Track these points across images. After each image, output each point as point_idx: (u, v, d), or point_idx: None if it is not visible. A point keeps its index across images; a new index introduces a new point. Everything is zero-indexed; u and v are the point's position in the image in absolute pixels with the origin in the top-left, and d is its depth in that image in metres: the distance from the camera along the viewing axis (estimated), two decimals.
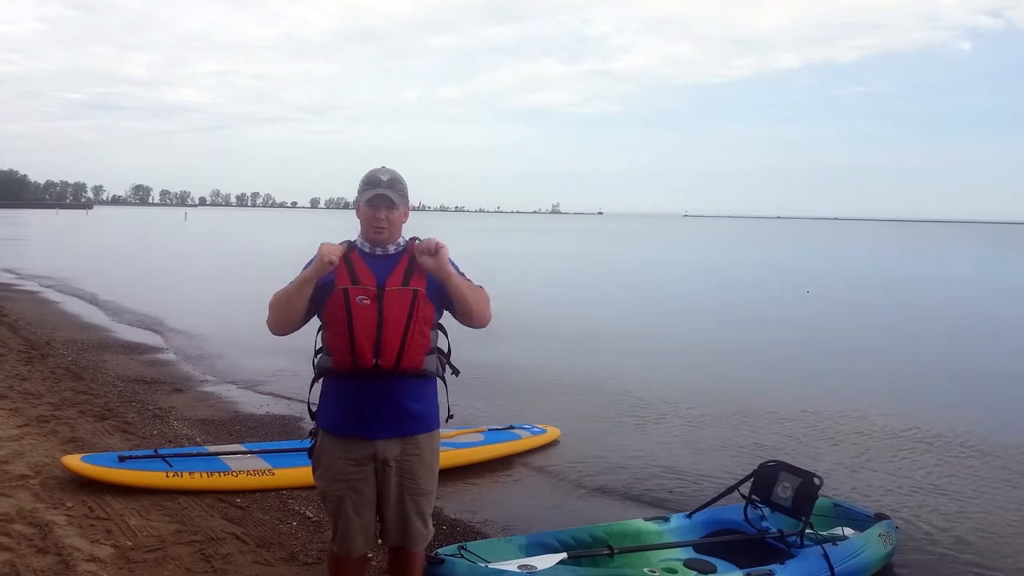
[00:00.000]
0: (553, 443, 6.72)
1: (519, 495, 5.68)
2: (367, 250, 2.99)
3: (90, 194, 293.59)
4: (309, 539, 4.39)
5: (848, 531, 4.38)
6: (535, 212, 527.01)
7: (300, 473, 5.10)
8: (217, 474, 5.10)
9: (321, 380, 3.04)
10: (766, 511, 4.28)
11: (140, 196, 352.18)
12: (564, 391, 8.94)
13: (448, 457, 4.97)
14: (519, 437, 6.48)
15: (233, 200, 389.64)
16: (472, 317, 2.97)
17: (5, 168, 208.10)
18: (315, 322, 3.00)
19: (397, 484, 2.97)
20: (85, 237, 49.04)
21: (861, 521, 4.50)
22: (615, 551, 3.83)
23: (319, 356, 3.02)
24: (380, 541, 3.16)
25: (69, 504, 4.60)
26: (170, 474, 4.99)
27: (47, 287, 18.04)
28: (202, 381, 8.80)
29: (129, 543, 4.13)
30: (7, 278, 19.90)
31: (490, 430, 6.49)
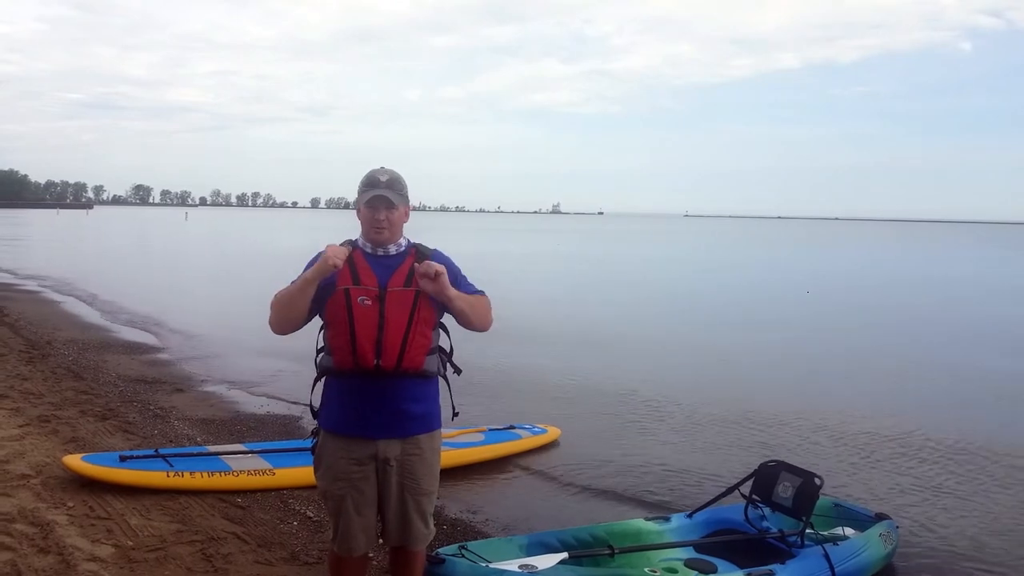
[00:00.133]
0: (553, 443, 6.72)
1: (520, 495, 5.68)
2: (369, 250, 3.00)
3: (90, 194, 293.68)
4: (310, 539, 4.39)
5: (849, 531, 4.39)
6: (535, 212, 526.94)
7: (301, 473, 5.11)
8: (218, 474, 5.10)
9: (323, 379, 3.05)
10: (767, 511, 4.28)
11: (140, 196, 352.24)
12: (564, 391, 8.94)
13: (449, 457, 4.97)
14: (519, 437, 6.48)
15: (233, 200, 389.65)
16: (473, 327, 3.04)
17: (5, 168, 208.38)
18: (316, 321, 3.01)
19: (398, 483, 2.97)
20: (86, 237, 49.05)
21: (862, 521, 4.50)
22: (616, 551, 3.83)
23: (320, 356, 3.03)
24: (381, 541, 3.17)
25: (70, 504, 4.60)
26: (171, 474, 4.99)
27: (48, 287, 18.04)
28: (203, 381, 8.80)
29: (130, 543, 4.13)
30: (8, 278, 19.91)
31: (490, 430, 6.50)
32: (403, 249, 3.02)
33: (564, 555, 3.72)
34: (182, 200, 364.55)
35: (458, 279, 3.00)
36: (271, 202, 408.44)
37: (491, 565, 3.54)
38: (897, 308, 18.26)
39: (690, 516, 4.45)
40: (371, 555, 3.41)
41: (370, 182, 2.95)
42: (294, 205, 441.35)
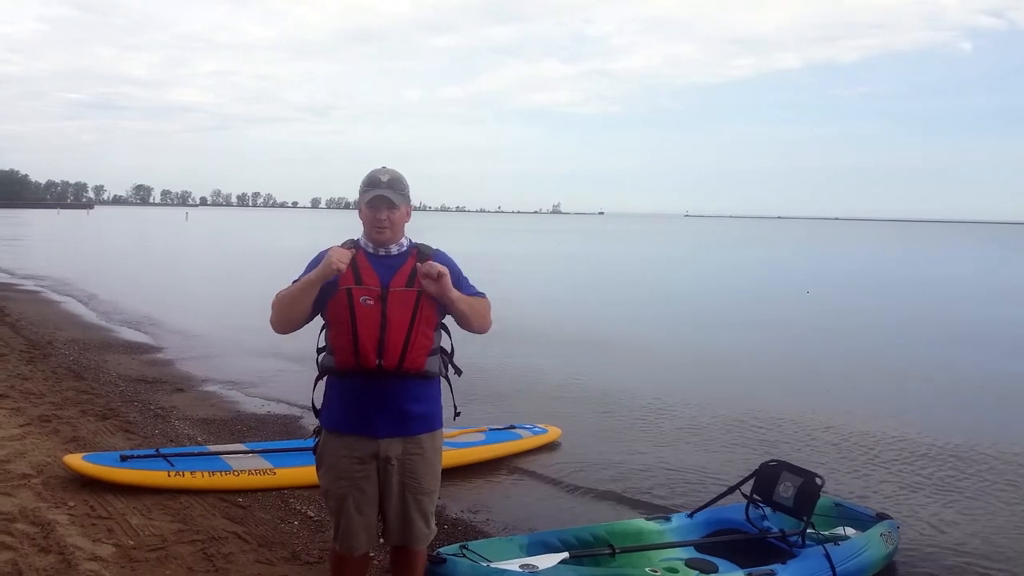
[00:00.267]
0: (554, 443, 6.72)
1: (520, 495, 5.68)
2: (370, 250, 3.00)
3: (91, 194, 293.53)
4: (311, 538, 4.39)
5: (850, 531, 4.39)
6: (536, 212, 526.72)
7: (301, 472, 5.11)
8: (219, 473, 5.11)
9: (325, 378, 3.05)
10: (767, 511, 4.28)
11: (141, 196, 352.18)
12: (565, 391, 8.94)
13: (449, 457, 4.96)
14: (520, 437, 6.48)
15: (234, 200, 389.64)
16: (472, 328, 3.04)
17: (6, 168, 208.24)
18: (317, 321, 3.01)
19: (399, 483, 2.97)
20: (86, 237, 49.07)
21: (863, 521, 4.50)
22: (617, 551, 3.83)
23: (322, 355, 3.04)
24: (382, 540, 3.17)
25: (71, 503, 4.60)
26: (172, 473, 4.99)
27: (49, 287, 18.05)
28: (203, 381, 8.80)
29: (131, 542, 4.13)
30: (8, 278, 19.92)
31: (491, 430, 6.49)
32: (405, 249, 3.02)
33: (565, 555, 3.72)
34: (182, 200, 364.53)
35: (460, 280, 3.01)
36: (271, 202, 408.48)
37: (492, 565, 3.54)
38: (897, 308, 18.26)
39: (691, 516, 4.45)
40: (372, 554, 3.41)
41: (371, 182, 2.95)
42: (294, 205, 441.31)
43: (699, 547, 4.15)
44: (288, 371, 9.17)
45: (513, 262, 31.49)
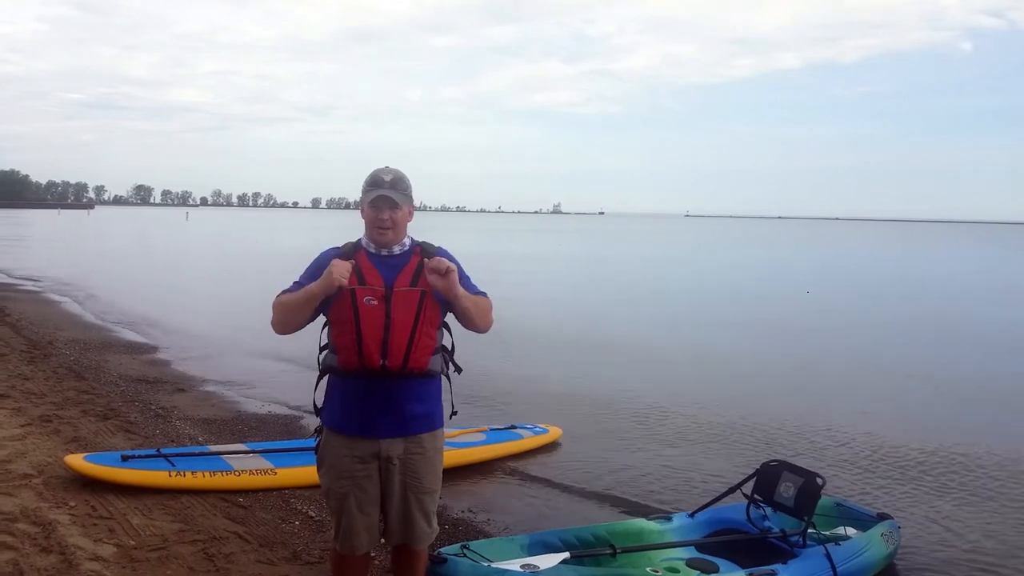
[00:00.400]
0: (555, 443, 6.72)
1: (521, 494, 5.68)
2: (373, 250, 3.00)
3: (92, 194, 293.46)
4: (312, 538, 4.39)
5: (851, 531, 4.39)
6: (536, 212, 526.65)
7: (302, 472, 5.12)
8: (220, 473, 5.11)
9: (326, 377, 3.05)
10: (768, 511, 4.28)
11: (142, 196, 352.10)
12: (566, 391, 8.94)
13: (450, 457, 4.96)
14: (521, 437, 6.48)
15: (234, 200, 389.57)
16: (474, 327, 3.04)
17: (7, 168, 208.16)
18: (319, 319, 3.01)
19: (400, 482, 2.97)
20: (87, 237, 49.09)
21: (863, 521, 4.50)
22: (617, 550, 3.83)
23: (324, 353, 3.04)
24: (383, 540, 3.17)
25: (72, 503, 4.60)
26: (173, 473, 5.00)
27: (49, 287, 18.05)
28: (204, 381, 8.80)
29: (132, 542, 4.13)
30: (9, 278, 19.92)
31: (492, 430, 6.50)
32: (407, 249, 3.02)
33: (566, 555, 3.72)
34: (183, 200, 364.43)
35: (463, 279, 3.01)
36: (272, 202, 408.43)
37: (493, 565, 3.54)
38: (897, 308, 18.26)
39: (692, 516, 4.45)
40: (373, 554, 3.41)
41: (374, 182, 2.95)
42: (295, 205, 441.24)
43: (700, 547, 4.15)
44: (289, 371, 9.17)
45: (514, 262, 31.49)
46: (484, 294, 3.11)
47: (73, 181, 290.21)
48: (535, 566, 3.55)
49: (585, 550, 3.88)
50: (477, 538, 4.36)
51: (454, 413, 3.19)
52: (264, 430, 6.80)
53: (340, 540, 3.04)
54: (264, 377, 9.08)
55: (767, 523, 4.22)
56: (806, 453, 6.64)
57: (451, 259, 3.03)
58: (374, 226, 2.95)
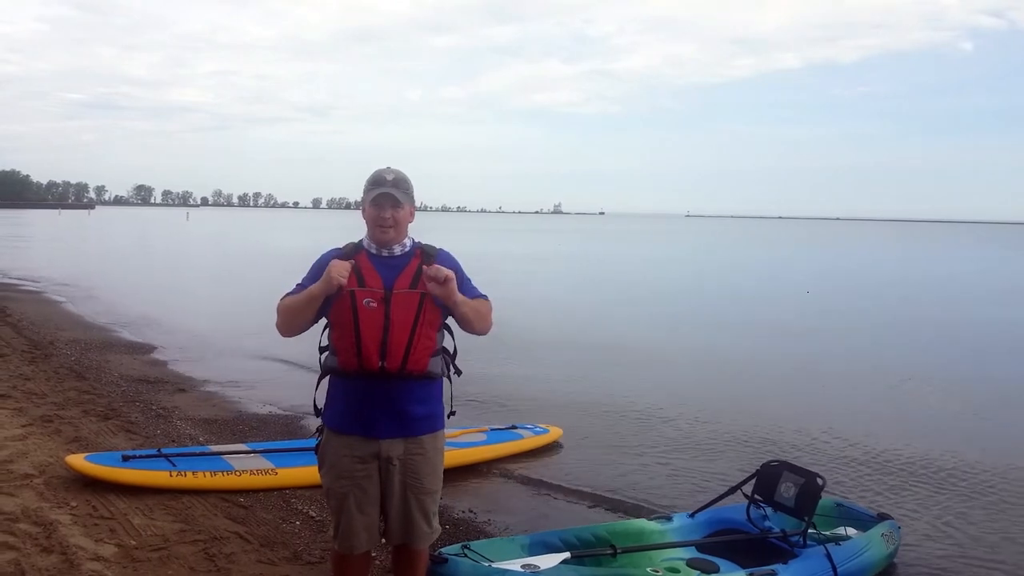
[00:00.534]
0: (555, 443, 6.72)
1: (522, 495, 5.68)
2: (374, 251, 3.00)
3: (92, 194, 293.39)
4: (312, 538, 4.40)
5: (851, 531, 4.39)
6: (537, 212, 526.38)
7: (303, 472, 5.12)
8: (220, 473, 5.11)
9: (327, 377, 3.06)
10: (769, 511, 4.28)
11: (142, 196, 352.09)
12: (566, 391, 8.94)
13: (451, 457, 4.97)
14: (521, 437, 6.48)
15: (235, 200, 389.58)
16: (473, 331, 3.05)
17: (7, 168, 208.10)
18: (321, 320, 3.02)
19: (401, 483, 2.98)
20: (88, 237, 49.10)
21: (864, 521, 4.50)
22: (618, 551, 3.83)
23: (325, 355, 3.04)
24: (384, 540, 3.17)
25: (73, 503, 4.61)
26: (174, 473, 5.00)
27: (50, 287, 18.06)
28: (205, 381, 8.81)
29: (133, 542, 4.14)
30: (10, 278, 19.93)
31: (492, 430, 6.50)
32: (408, 250, 3.03)
33: (566, 555, 3.72)
34: (183, 200, 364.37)
35: (463, 282, 3.01)
36: (272, 202, 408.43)
37: (493, 565, 3.54)
38: (897, 308, 18.26)
39: (692, 516, 4.45)
40: (374, 554, 3.42)
41: (376, 180, 2.96)
42: (295, 205, 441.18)
43: (700, 547, 4.15)
44: (290, 371, 9.18)
45: (514, 262, 31.49)
46: (484, 296, 3.11)
47: (73, 181, 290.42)
48: (536, 566, 3.56)
49: (586, 550, 3.88)
50: (478, 538, 4.36)
51: (452, 414, 3.20)
52: (265, 430, 6.80)
53: (339, 540, 3.04)
54: (265, 377, 9.09)
55: (767, 523, 4.22)
56: (806, 453, 6.65)
57: (452, 260, 3.04)
58: (376, 224, 2.96)
